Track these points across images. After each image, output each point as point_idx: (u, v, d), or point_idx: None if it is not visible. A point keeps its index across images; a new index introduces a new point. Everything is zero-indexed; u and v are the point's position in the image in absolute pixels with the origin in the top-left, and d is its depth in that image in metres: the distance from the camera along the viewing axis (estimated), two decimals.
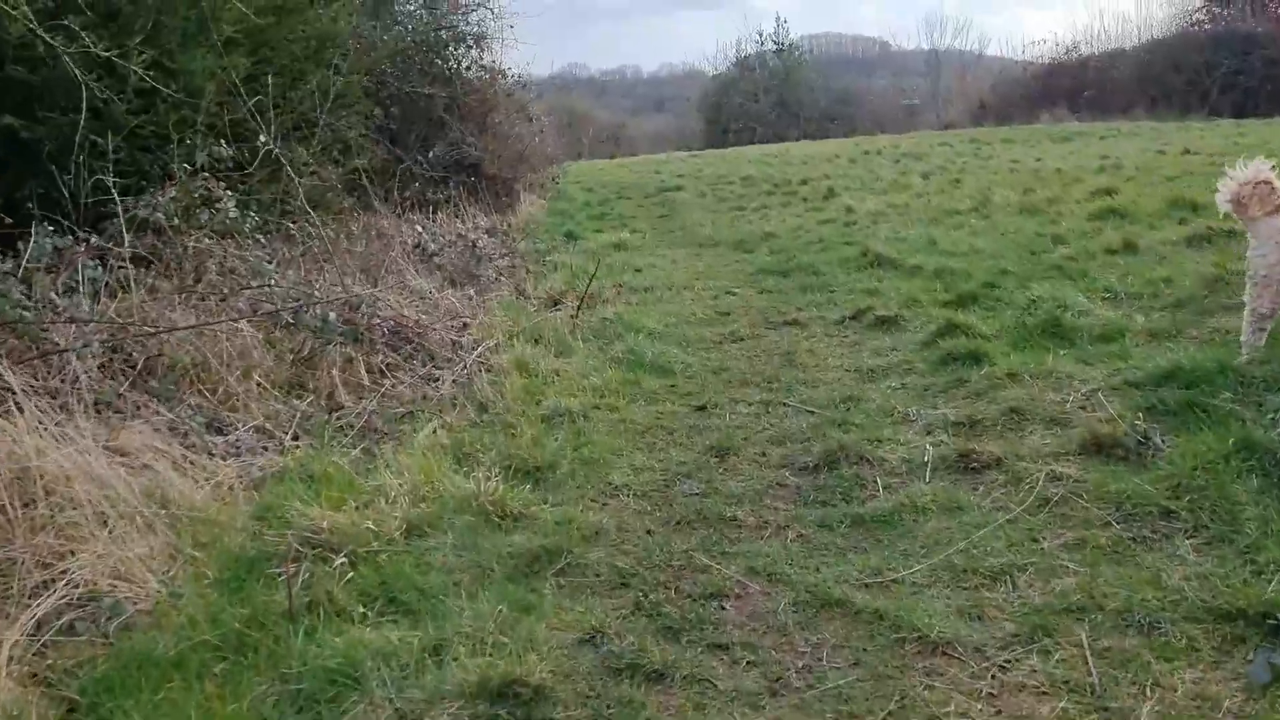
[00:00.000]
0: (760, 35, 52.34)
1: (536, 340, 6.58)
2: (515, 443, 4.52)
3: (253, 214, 6.56)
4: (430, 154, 13.61)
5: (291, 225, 8.44)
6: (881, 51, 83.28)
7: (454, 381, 5.91)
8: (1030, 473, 3.84)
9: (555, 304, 7.84)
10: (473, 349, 6.51)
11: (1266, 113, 29.20)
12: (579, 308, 7.02)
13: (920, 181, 14.82)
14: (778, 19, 62.30)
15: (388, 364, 5.98)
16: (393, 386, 5.74)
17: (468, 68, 15.34)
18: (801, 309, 7.03)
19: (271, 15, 9.55)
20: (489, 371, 5.99)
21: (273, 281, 6.19)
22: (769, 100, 49.88)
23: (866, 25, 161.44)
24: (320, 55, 10.33)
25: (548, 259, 10.97)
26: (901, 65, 73.11)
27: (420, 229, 10.29)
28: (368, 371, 5.81)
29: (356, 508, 3.94)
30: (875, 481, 3.99)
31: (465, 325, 7.18)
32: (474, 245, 9.84)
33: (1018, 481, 3.82)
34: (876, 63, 77.45)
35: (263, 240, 7.53)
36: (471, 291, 8.51)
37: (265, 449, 4.87)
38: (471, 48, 15.51)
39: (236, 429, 4.91)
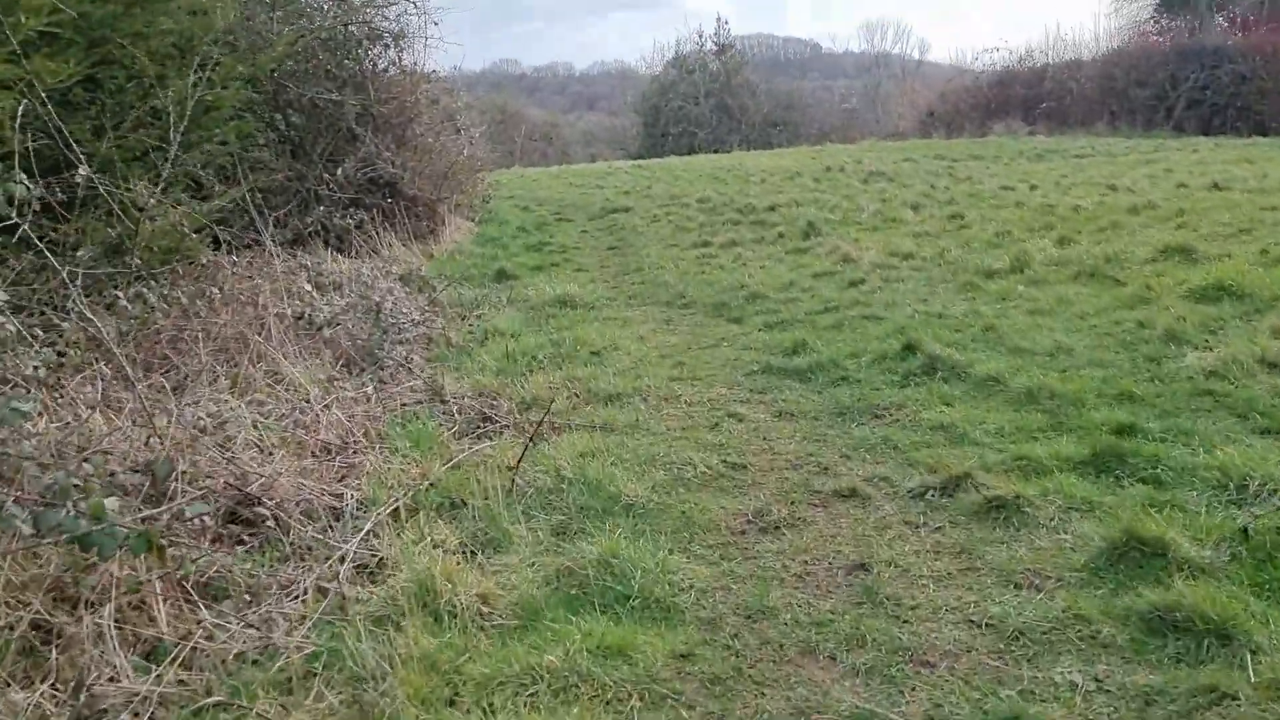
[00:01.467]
0: (700, 35, 50.43)
1: (454, 507, 4.32)
2: None
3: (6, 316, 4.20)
4: (339, 171, 11.41)
5: (118, 295, 6.11)
6: (813, 54, 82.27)
7: (319, 610, 3.62)
8: None
9: (484, 421, 5.57)
10: (354, 522, 4.23)
11: (1236, 130, 27.85)
12: (524, 452, 4.74)
13: (911, 214, 12.70)
14: (719, 19, 60.26)
15: (207, 580, 3.67)
16: (209, 633, 3.43)
17: (384, 70, 13.16)
18: (849, 457, 4.67)
19: (116, 3, 7.23)
20: (372, 582, 3.72)
21: (28, 437, 3.81)
22: (709, 104, 48.04)
23: (798, 28, 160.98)
24: (188, 54, 7.95)
25: (476, 317, 8.71)
26: (833, 68, 72.08)
27: (309, 285, 7.94)
28: (167, 601, 3.50)
29: None
30: None
31: (351, 468, 4.88)
32: (378, 309, 7.50)
33: None
34: (808, 65, 76.35)
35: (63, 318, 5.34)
36: (370, 388, 6.22)
37: None
38: (389, 47, 13.35)
39: None
